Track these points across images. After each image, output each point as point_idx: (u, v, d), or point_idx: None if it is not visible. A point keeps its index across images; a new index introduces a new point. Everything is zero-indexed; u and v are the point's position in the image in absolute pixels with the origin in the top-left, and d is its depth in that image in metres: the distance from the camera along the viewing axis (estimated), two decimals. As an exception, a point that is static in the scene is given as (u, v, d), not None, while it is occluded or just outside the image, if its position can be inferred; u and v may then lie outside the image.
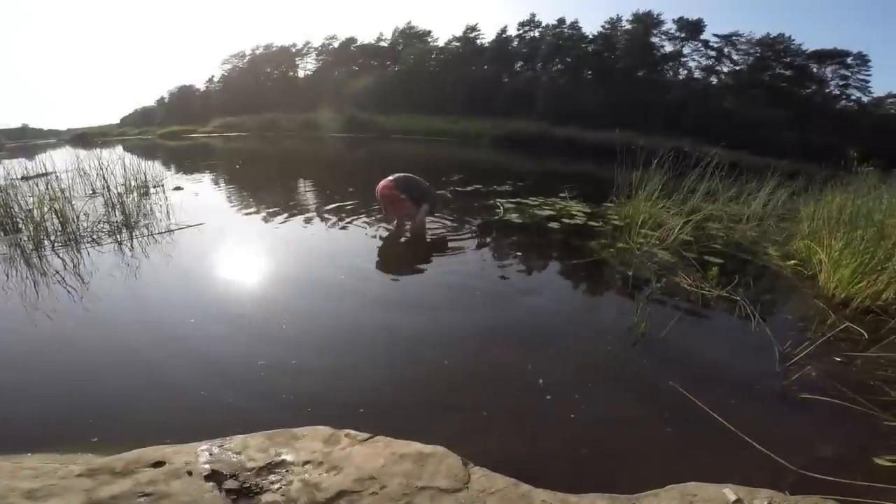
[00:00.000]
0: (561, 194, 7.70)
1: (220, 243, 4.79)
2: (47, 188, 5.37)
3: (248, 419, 2.00)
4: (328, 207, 6.39)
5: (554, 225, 5.78)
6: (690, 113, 29.39)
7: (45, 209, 4.90)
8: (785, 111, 28.74)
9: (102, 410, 2.12)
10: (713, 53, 34.54)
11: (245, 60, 47.99)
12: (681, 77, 35.41)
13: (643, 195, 5.75)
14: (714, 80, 34.77)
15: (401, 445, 1.82)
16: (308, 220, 5.71)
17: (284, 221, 5.68)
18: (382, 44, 43.71)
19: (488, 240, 5.07)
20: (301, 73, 46.65)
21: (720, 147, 7.00)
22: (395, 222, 5.26)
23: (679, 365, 2.69)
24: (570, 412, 2.20)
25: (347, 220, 5.67)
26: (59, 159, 7.63)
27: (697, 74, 35.21)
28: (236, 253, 4.56)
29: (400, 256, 4.61)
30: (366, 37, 46.71)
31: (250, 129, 32.59)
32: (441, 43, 42.13)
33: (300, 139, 26.10)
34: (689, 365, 2.72)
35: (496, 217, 6.11)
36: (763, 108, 28.84)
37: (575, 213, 6.45)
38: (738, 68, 34.13)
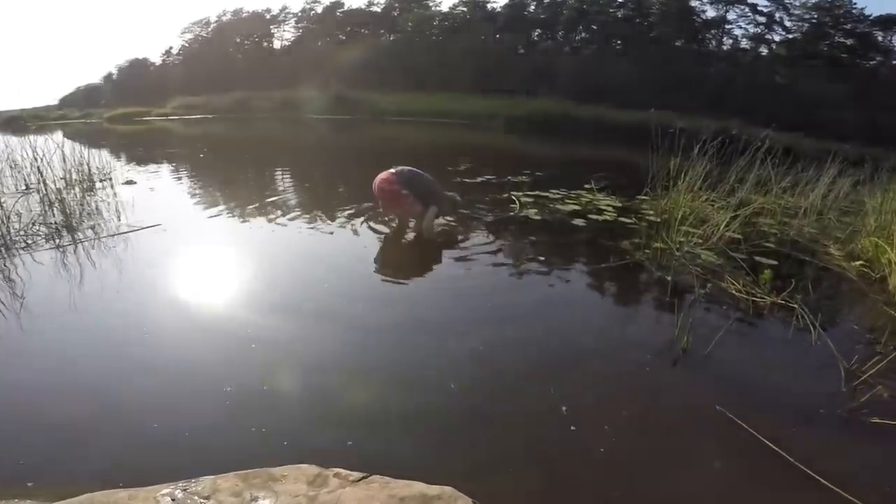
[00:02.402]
0: (587, 185, 7.66)
1: (181, 248, 4.76)
2: None
3: (215, 456, 1.99)
4: (310, 204, 6.39)
5: (579, 222, 5.77)
6: (737, 89, 29.20)
7: None
8: (846, 87, 28.56)
9: (39, 448, 2.09)
10: (762, 20, 34.34)
11: (210, 29, 47.56)
12: (725, 47, 35.23)
13: (683, 186, 5.73)
14: (764, 50, 34.60)
15: (401, 486, 1.80)
16: (286, 220, 5.66)
17: (257, 221, 5.65)
18: (374, 8, 43.53)
19: (502, 240, 5.05)
20: (277, 44, 46.47)
21: (771, 129, 6.95)
22: (396, 221, 5.25)
23: (728, 386, 2.68)
24: (598, 445, 2.18)
25: (334, 218, 5.65)
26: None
27: (744, 44, 35.05)
28: (199, 259, 4.54)
29: (398, 261, 4.60)
30: (355, 0, 46.56)
31: (217, 111, 32.52)
32: (445, 7, 42.06)
33: (277, 122, 26.19)
34: (740, 386, 2.70)
35: (511, 213, 6.11)
36: (821, 84, 28.62)
37: (604, 207, 6.43)
38: (791, 37, 33.91)
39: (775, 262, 4.49)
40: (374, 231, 5.15)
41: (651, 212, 6.10)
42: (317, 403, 2.43)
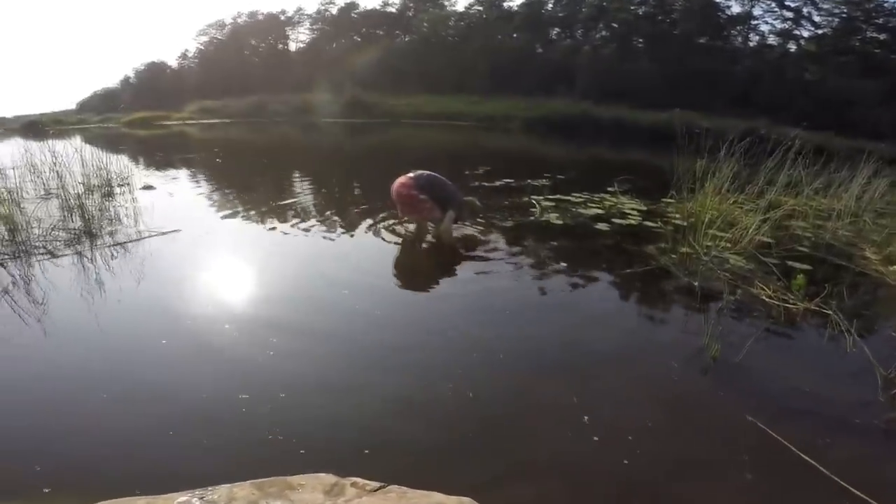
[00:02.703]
0: (610, 188, 7.64)
1: (199, 253, 4.84)
2: None
3: (231, 464, 2.01)
4: (327, 209, 6.44)
5: (602, 226, 5.75)
6: (764, 87, 28.91)
7: None
8: (880, 83, 28.10)
9: (56, 455, 2.12)
10: (790, 14, 33.93)
11: (225, 31, 48.20)
12: (751, 44, 34.85)
13: (710, 188, 5.68)
14: (792, 46, 34.14)
15: (419, 497, 1.78)
16: (303, 225, 5.73)
17: (275, 227, 5.71)
18: (390, 9, 43.83)
19: (522, 246, 5.05)
20: (293, 46, 46.92)
21: (801, 128, 6.88)
22: (415, 227, 5.27)
23: (759, 395, 2.65)
24: (622, 456, 2.16)
25: (352, 223, 5.69)
26: (5, 153, 7.83)
27: (771, 40, 34.64)
28: (217, 265, 4.60)
29: (416, 267, 4.62)
30: (369, 0, 46.81)
31: (233, 115, 32.98)
32: (460, 7, 42.20)
33: (292, 126, 26.40)
34: (772, 395, 2.67)
35: (532, 218, 6.10)
36: (853, 80, 28.19)
37: (628, 211, 6.40)
38: (820, 32, 33.45)
39: (809, 267, 4.43)
40: (393, 236, 5.18)
41: (677, 215, 6.05)
42: (333, 411, 2.44)
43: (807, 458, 2.13)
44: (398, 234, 5.23)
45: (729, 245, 4.90)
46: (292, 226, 5.68)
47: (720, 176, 5.75)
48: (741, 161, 5.94)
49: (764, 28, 34.75)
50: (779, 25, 34.31)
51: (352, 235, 5.29)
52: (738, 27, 34.96)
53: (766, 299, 3.74)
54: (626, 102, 24.84)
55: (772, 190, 5.81)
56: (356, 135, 21.36)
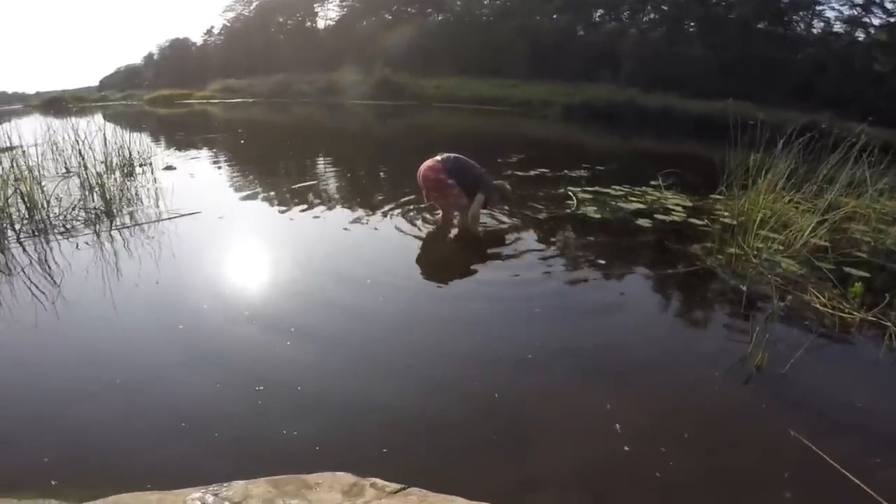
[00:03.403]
0: (653, 182, 7.56)
1: (219, 237, 4.95)
2: (12, 166, 5.53)
3: (245, 460, 2.05)
4: (352, 195, 6.50)
5: (644, 222, 5.70)
6: (828, 78, 28.21)
7: (9, 192, 5.08)
8: (957, 76, 27.21)
9: (65, 445, 2.17)
10: (859, 1, 33.06)
11: (252, 8, 48.85)
12: (815, 31, 34.01)
13: (764, 185, 5.57)
14: (860, 35, 33.23)
15: (440, 501, 1.80)
16: (328, 210, 5.84)
17: (298, 211, 5.83)
18: (422, -15, 43.84)
19: (556, 240, 5.03)
20: (321, 24, 47.31)
21: (868, 123, 6.68)
22: (441, 214, 5.29)
23: (805, 409, 2.61)
24: (654, 468, 2.15)
25: (378, 210, 5.76)
26: (27, 130, 8.06)
27: (838, 28, 33.66)
28: (237, 248, 4.71)
29: (444, 259, 4.65)
30: (401, -25, 46.72)
31: (258, 94, 33.49)
32: (497, -16, 41.86)
33: (319, 107, 26.68)
34: (819, 409, 2.63)
35: (568, 211, 6.07)
36: (928, 73, 27.39)
37: (672, 206, 6.34)
38: (893, 20, 32.54)
39: (867, 275, 4.32)
40: (419, 226, 5.22)
41: (726, 213, 5.96)
42: (351, 407, 2.46)
43: (852, 477, 2.09)
44: (425, 223, 5.28)
45: (781, 248, 4.81)
46: (315, 211, 5.78)
47: (775, 172, 5.63)
48: (799, 157, 5.81)
49: (830, 14, 33.73)
50: (846, 12, 33.32)
51: (377, 224, 5.34)
52: (800, 13, 34.09)
53: (819, 307, 3.67)
54: (675, 90, 24.46)
55: (831, 189, 5.67)
56: (384, 118, 21.45)
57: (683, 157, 12.03)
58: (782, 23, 33.83)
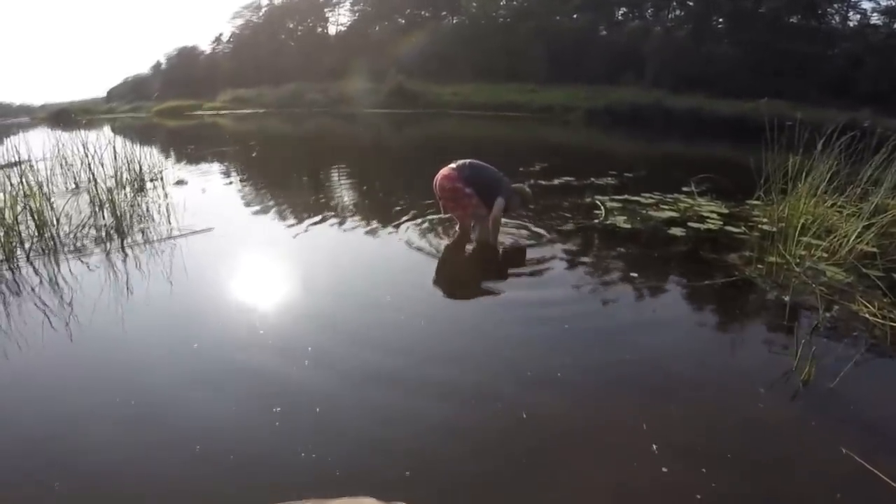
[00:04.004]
0: (686, 188, 7.56)
1: (232, 254, 4.99)
2: (20, 182, 5.56)
3: (262, 483, 2.07)
4: (368, 208, 6.55)
5: (677, 231, 5.68)
6: (866, 73, 27.99)
7: (19, 209, 5.11)
8: None
9: (76, 471, 2.19)
10: (899, -11, 32.83)
11: (261, 13, 49.70)
12: (851, 24, 33.83)
13: (804, 189, 5.52)
14: (901, 26, 32.99)
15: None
16: (343, 225, 5.89)
17: (313, 225, 5.88)
18: (436, -12, 44.18)
19: (584, 252, 5.03)
20: (332, 30, 48.01)
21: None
22: (458, 226, 5.29)
23: (857, 425, 2.58)
24: (695, 490, 2.13)
25: (395, 223, 5.78)
26: (35, 143, 8.22)
27: (875, 19, 33.51)
28: (252, 267, 4.74)
29: (464, 273, 4.65)
30: (415, -21, 47.18)
31: (269, 105, 33.93)
32: (514, -16, 42.11)
33: (332, 116, 26.94)
34: (872, 425, 2.59)
35: (595, 221, 6.06)
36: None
37: (706, 214, 6.32)
38: (935, 9, 32.25)
39: (919, 281, 4.26)
40: (438, 240, 5.23)
41: (764, 220, 5.93)
42: (372, 429, 2.47)
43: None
44: (444, 236, 5.29)
45: (825, 255, 4.76)
46: (330, 226, 5.83)
47: (816, 175, 5.58)
48: (840, 158, 5.76)
49: (866, 6, 33.56)
50: (884, 2, 33.10)
51: (394, 238, 5.36)
52: (834, 5, 33.91)
53: (869, 317, 3.63)
54: (704, 91, 24.47)
55: (877, 192, 5.60)
56: (399, 127, 21.60)
57: (716, 160, 11.98)
58: (816, 16, 33.67)
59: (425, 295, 4.02)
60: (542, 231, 5.57)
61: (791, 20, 33.07)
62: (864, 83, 26.81)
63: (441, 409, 2.63)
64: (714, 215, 6.25)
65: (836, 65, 29.49)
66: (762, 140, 5.86)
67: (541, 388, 2.82)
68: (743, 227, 5.76)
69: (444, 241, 5.15)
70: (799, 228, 4.93)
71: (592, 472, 2.23)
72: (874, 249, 4.70)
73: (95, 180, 6.18)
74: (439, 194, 4.89)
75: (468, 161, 4.90)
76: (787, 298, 3.89)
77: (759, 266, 4.58)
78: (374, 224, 5.82)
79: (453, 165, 4.84)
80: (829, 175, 5.56)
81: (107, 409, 2.60)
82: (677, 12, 36.14)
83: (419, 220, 5.81)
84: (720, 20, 34.54)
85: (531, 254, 4.92)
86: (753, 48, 30.09)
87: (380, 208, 6.50)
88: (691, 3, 35.25)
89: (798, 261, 4.62)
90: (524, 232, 5.54)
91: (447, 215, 5.32)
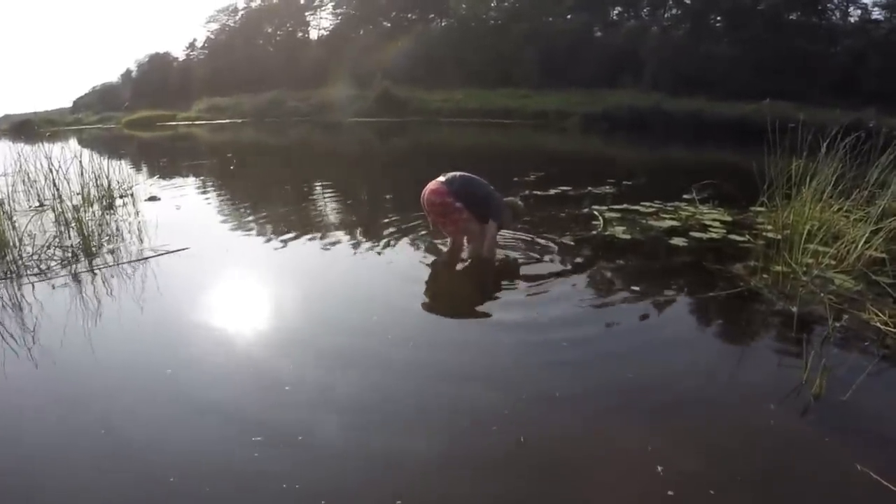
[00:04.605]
0: (687, 196, 7.59)
1: (210, 275, 4.96)
2: None
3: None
4: (353, 225, 6.54)
5: (679, 241, 5.70)
6: (870, 71, 28.30)
7: None
8: None
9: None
10: (900, -18, 33.26)
11: (238, 17, 49.70)
12: (852, 20, 34.24)
13: (809, 194, 5.55)
14: (903, 20, 33.40)
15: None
16: (326, 242, 5.85)
17: (295, 243, 5.83)
18: (423, -11, 44.34)
19: (582, 265, 5.02)
20: (314, 34, 48.05)
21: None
22: (450, 241, 5.27)
23: (873, 439, 2.59)
24: (704, 513, 2.13)
25: (382, 239, 5.77)
26: (-6, 158, 8.15)
27: (877, 14, 33.94)
28: (230, 288, 4.71)
29: (456, 291, 4.63)
30: (400, -20, 47.37)
31: (247, 114, 33.89)
32: (504, -15, 42.36)
33: (314, 126, 26.93)
34: (888, 439, 2.60)
35: (594, 232, 6.08)
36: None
37: (709, 222, 6.34)
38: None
39: (932, 288, 4.28)
40: (428, 255, 5.23)
41: (769, 227, 5.96)
42: (358, 457, 2.45)
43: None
44: (434, 252, 5.27)
45: (833, 262, 4.78)
46: (313, 243, 5.80)
47: (820, 178, 5.61)
48: (846, 160, 5.79)
49: (867, 0, 33.85)
50: (884, -4, 33.52)
51: (381, 255, 5.34)
52: (834, 0, 34.31)
53: (880, 326, 3.64)
54: (704, 93, 24.63)
55: (884, 194, 5.63)
56: (386, 137, 21.66)
57: (718, 166, 12.03)
58: (816, 12, 34.08)
59: (414, 315, 4.00)
60: (538, 244, 5.57)
61: (791, 17, 33.42)
62: (868, 81, 27.07)
63: (434, 435, 2.61)
64: (717, 223, 6.28)
65: (838, 62, 29.80)
66: (765, 143, 5.90)
67: (539, 409, 2.80)
68: (747, 236, 5.79)
69: (434, 258, 5.14)
70: (805, 235, 4.93)
71: (594, 497, 2.22)
72: (883, 255, 4.72)
73: (61, 197, 6.17)
74: (428, 209, 4.83)
75: (457, 174, 4.83)
76: (794, 309, 3.89)
77: (765, 276, 4.59)
78: (359, 241, 5.80)
79: (441, 179, 4.77)
80: (835, 178, 5.59)
81: (74, 440, 2.56)
82: (674, 11, 36.49)
83: (408, 235, 5.80)
84: (718, 18, 34.87)
85: (527, 269, 4.92)
86: (753, 46, 30.38)
87: (365, 224, 6.48)
88: (688, 2, 35.58)
89: (805, 269, 4.63)
90: (520, 245, 5.54)
91: (437, 229, 5.30)
